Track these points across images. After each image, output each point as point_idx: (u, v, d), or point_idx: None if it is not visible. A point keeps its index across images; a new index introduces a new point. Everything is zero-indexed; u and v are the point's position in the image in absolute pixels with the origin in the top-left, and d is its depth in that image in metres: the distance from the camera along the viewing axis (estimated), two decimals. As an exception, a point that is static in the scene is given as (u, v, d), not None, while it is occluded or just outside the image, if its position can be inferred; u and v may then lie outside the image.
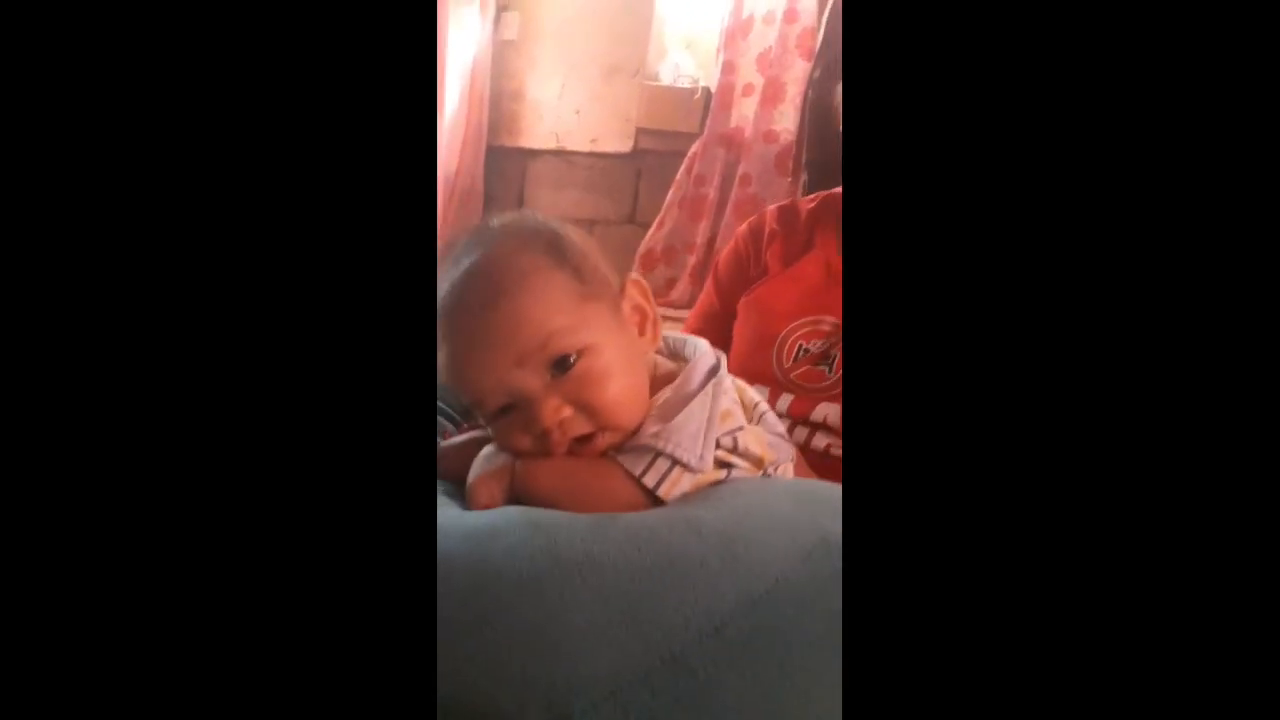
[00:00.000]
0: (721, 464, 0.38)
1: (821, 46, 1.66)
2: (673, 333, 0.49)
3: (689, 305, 2.30)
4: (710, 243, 2.24)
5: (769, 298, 0.79)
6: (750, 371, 0.77)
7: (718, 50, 2.05)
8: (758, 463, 0.39)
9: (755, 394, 0.45)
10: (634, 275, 0.44)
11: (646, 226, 2.32)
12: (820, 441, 0.71)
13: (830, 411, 0.70)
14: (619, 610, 0.27)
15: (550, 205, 2.58)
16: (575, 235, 0.42)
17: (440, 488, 0.40)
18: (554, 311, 0.37)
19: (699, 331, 0.87)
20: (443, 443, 0.44)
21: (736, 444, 0.38)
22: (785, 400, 0.73)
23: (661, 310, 1.90)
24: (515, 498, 0.37)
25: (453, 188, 2.43)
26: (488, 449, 0.40)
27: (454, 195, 2.45)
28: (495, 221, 0.43)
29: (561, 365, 0.37)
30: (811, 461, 0.69)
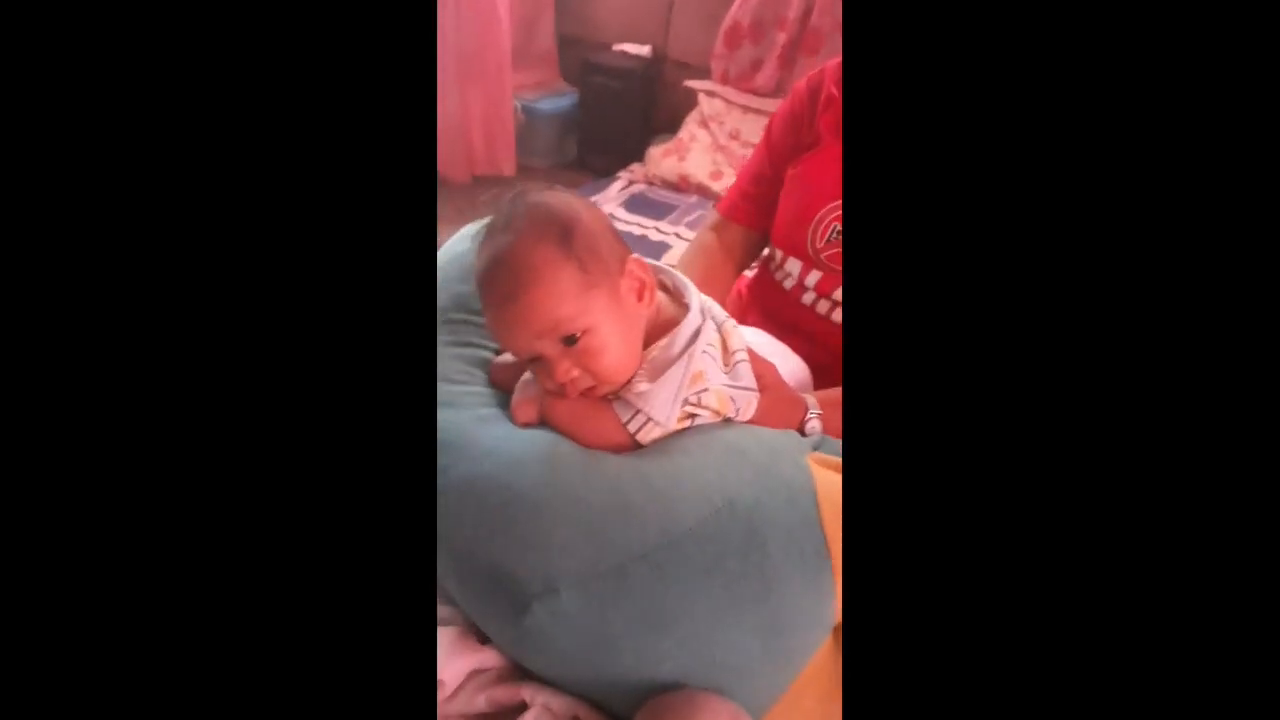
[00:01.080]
0: (689, 415, 0.52)
1: None
2: (677, 274, 0.59)
3: (773, 94, 2.17)
4: (805, 17, 2.02)
5: (813, 173, 0.81)
6: (788, 244, 0.83)
7: None
8: (717, 413, 0.53)
9: (740, 339, 0.57)
10: (633, 255, 0.54)
11: (736, -12, 2.08)
12: (837, 316, 0.79)
13: None
14: (588, 533, 0.45)
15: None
16: (587, 219, 0.52)
17: (495, 399, 0.56)
18: (562, 301, 0.49)
19: (746, 195, 0.91)
20: (496, 359, 0.60)
21: (700, 401, 0.52)
22: (814, 276, 0.80)
23: (744, 99, 1.86)
24: (544, 420, 0.54)
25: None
26: (527, 376, 0.56)
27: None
28: (521, 205, 0.52)
29: (569, 340, 0.50)
30: (830, 333, 0.79)
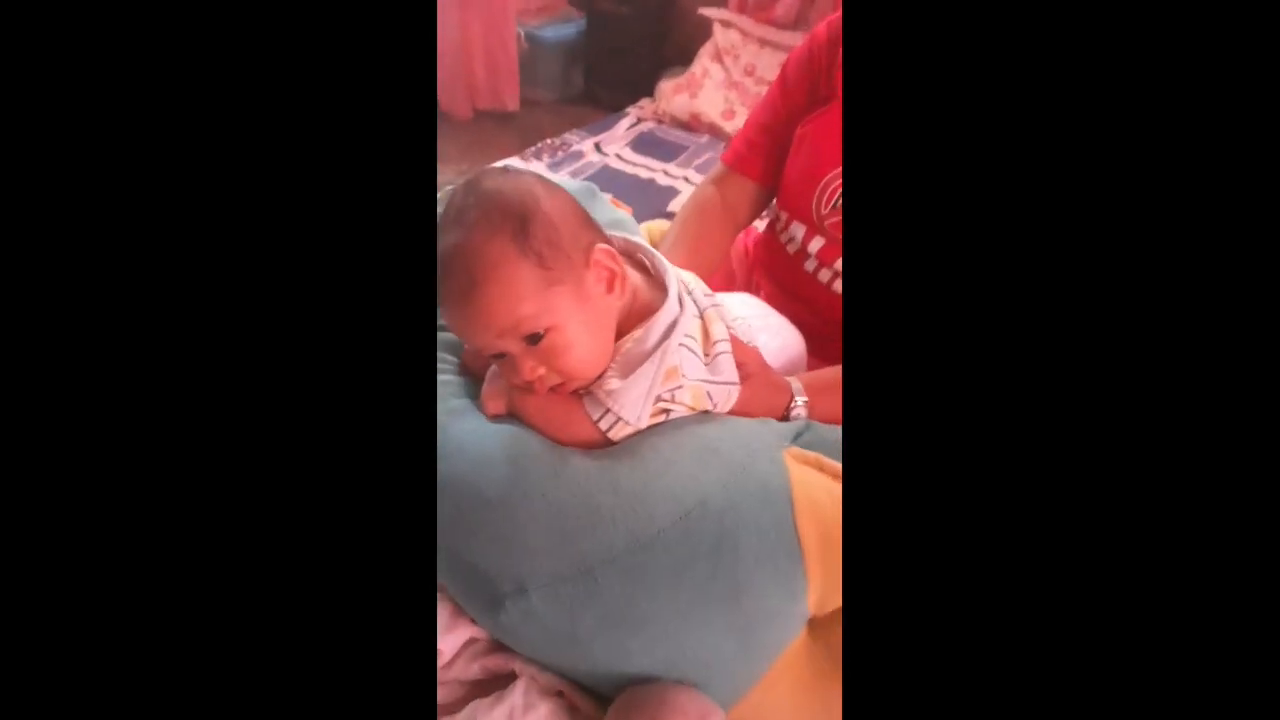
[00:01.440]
0: (663, 410, 0.50)
1: None
2: (656, 255, 0.56)
3: (793, 26, 2.04)
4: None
5: (822, 134, 0.77)
6: (794, 207, 0.80)
7: None
8: (691, 409, 0.51)
9: (721, 328, 0.54)
10: (600, 245, 0.50)
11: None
12: (839, 286, 0.77)
13: None
14: (556, 537, 0.45)
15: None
16: (547, 207, 0.48)
17: (465, 389, 0.55)
18: (520, 299, 0.46)
19: (753, 146, 0.87)
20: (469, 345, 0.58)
21: (674, 398, 0.50)
22: (818, 243, 0.78)
23: (761, 31, 1.79)
24: (513, 411, 0.52)
25: None
26: (495, 366, 0.54)
27: None
28: (474, 195, 0.48)
29: (533, 339, 0.47)
30: (831, 303, 0.77)
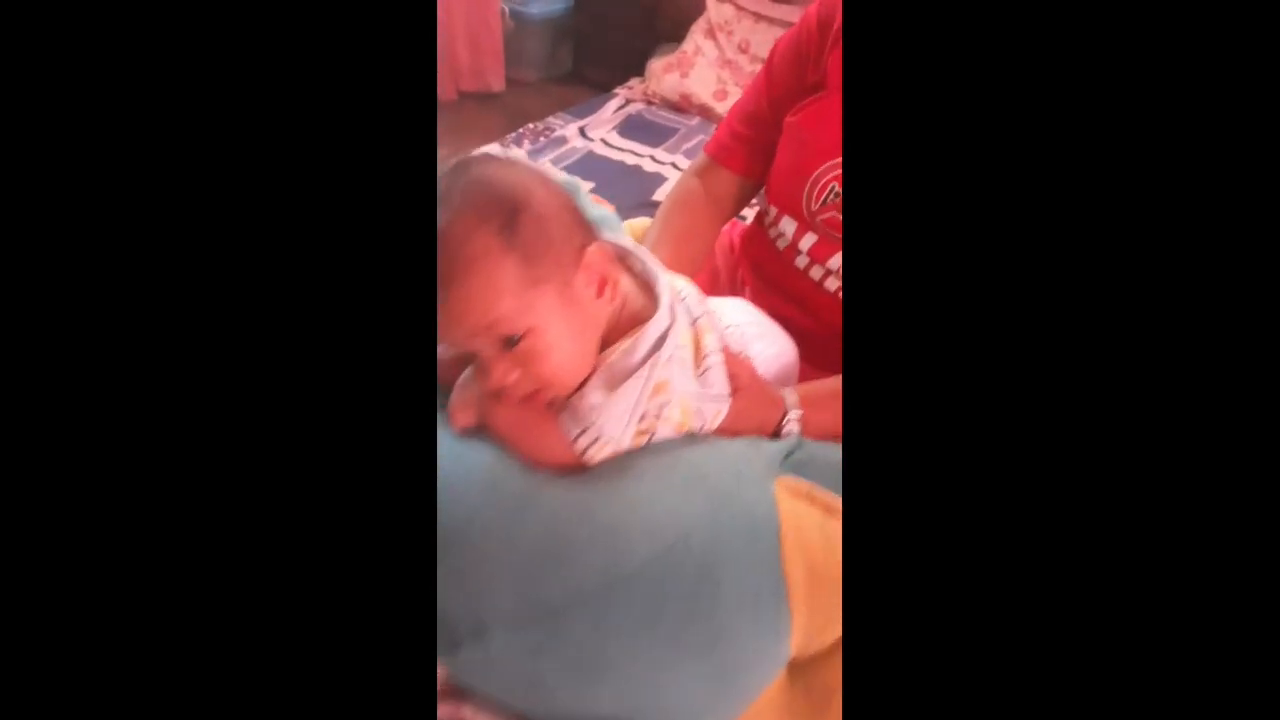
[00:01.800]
0: (645, 431, 0.46)
1: None
2: (649, 260, 0.51)
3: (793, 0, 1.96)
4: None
5: (813, 123, 0.73)
6: (783, 201, 0.77)
7: None
8: (680, 426, 0.47)
9: (714, 339, 0.50)
10: (594, 244, 0.46)
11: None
12: (832, 285, 0.74)
13: None
14: (521, 575, 0.41)
15: None
16: (539, 200, 0.44)
17: (439, 400, 0.51)
18: (500, 297, 0.42)
19: (738, 136, 0.83)
20: (441, 353, 0.54)
21: (661, 413, 0.46)
22: (809, 240, 0.74)
23: (756, 5, 1.71)
24: (483, 424, 0.48)
25: None
26: (467, 373, 0.50)
27: None
28: (461, 179, 0.44)
29: (509, 342, 0.43)
30: (824, 303, 0.73)
